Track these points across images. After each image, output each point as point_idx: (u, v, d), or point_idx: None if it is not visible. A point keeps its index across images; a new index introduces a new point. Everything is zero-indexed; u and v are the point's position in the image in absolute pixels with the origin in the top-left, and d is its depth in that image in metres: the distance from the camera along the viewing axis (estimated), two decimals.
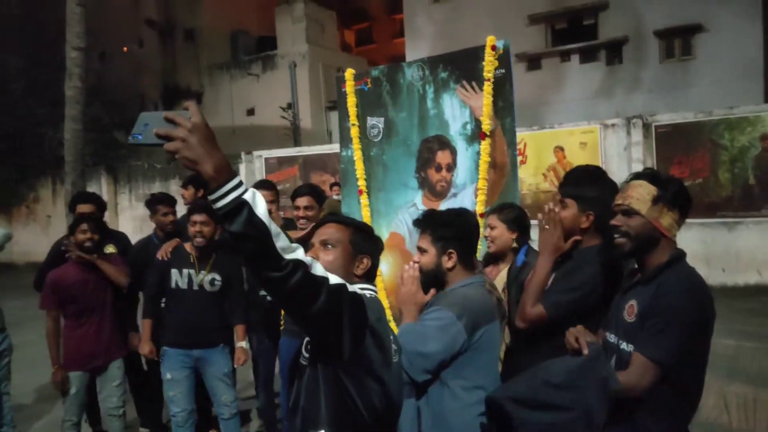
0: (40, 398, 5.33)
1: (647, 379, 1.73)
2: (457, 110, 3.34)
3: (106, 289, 3.81)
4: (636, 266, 1.96)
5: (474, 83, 3.24)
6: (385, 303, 3.41)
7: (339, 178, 3.98)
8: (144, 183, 15.14)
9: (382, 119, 3.63)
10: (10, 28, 18.39)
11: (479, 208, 3.14)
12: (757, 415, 4.29)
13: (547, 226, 2.23)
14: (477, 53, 3.23)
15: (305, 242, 1.69)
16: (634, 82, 16.84)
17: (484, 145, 3.17)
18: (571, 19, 18.18)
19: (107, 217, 4.68)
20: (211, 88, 24.99)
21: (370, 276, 1.71)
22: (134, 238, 4.72)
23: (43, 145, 17.48)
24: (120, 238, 4.55)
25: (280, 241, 1.22)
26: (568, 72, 17.95)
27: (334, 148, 11.58)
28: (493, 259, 2.89)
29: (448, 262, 2.08)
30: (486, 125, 3.15)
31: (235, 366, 3.76)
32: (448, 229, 2.09)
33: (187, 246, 3.67)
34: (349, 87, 3.71)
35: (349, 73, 3.75)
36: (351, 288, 1.42)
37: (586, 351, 1.78)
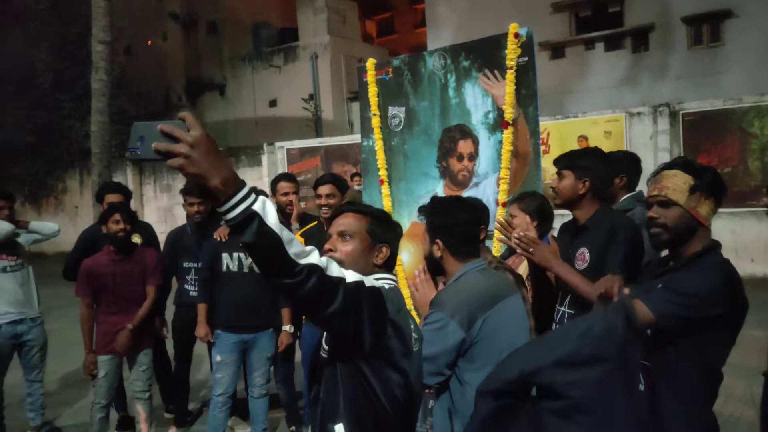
0: (68, 385, 5.46)
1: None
2: (479, 99, 3.31)
3: (137, 280, 3.88)
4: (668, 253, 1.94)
5: (496, 71, 3.21)
6: (406, 292, 3.42)
7: (360, 169, 4.00)
8: (169, 174, 15.34)
9: (404, 109, 3.62)
10: (38, 23, 18.72)
11: (501, 198, 3.12)
12: None
13: (530, 250, 2.30)
14: (499, 41, 3.19)
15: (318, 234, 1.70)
16: (661, 69, 16.48)
17: (507, 134, 3.14)
18: (596, 7, 17.83)
19: (133, 207, 4.76)
20: (234, 80, 25.11)
21: (389, 264, 1.70)
22: (158, 229, 4.80)
23: (70, 137, 17.82)
24: (145, 228, 4.63)
25: (294, 247, 1.22)
26: (592, 60, 17.64)
27: (356, 138, 11.59)
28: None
29: (437, 251, 2.10)
30: (508, 114, 3.12)
31: (279, 349, 3.85)
32: (435, 218, 2.11)
33: None
34: (371, 77, 3.71)
35: (370, 63, 3.74)
36: (369, 282, 1.42)
37: (616, 298, 1.77)
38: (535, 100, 3.16)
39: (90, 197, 10.26)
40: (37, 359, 4.36)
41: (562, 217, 2.77)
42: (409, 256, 3.52)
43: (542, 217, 2.77)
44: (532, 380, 1.58)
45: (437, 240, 2.09)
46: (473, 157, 3.34)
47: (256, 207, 1.16)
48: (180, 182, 14.74)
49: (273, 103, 23.74)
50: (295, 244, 1.22)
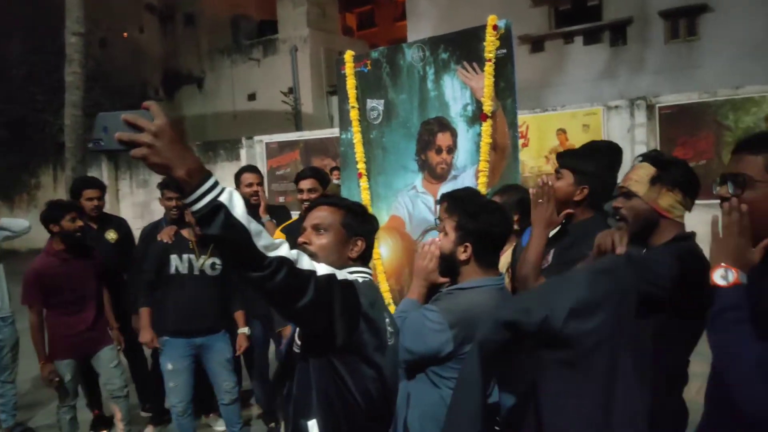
0: (41, 385, 5.33)
1: None
2: (457, 91, 3.29)
3: (90, 278, 3.74)
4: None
5: (475, 64, 3.18)
6: (384, 286, 3.40)
7: (339, 162, 3.97)
8: (145, 169, 15.09)
9: (382, 101, 3.58)
10: (10, 13, 18.28)
11: (480, 190, 3.10)
12: None
13: (540, 201, 2.17)
14: (478, 33, 3.17)
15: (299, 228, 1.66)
16: (639, 63, 16.66)
17: (486, 127, 3.12)
18: (575, 1, 17.96)
19: (108, 202, 4.67)
20: (212, 73, 24.84)
21: (365, 258, 1.68)
22: (135, 224, 4.71)
23: (44, 131, 17.46)
24: (120, 224, 4.55)
25: (262, 240, 1.19)
26: (571, 54, 17.77)
27: (335, 132, 11.52)
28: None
29: (462, 254, 1.92)
30: (487, 106, 3.10)
31: (238, 353, 3.75)
32: (472, 221, 1.92)
33: (185, 232, 3.65)
34: (349, 69, 3.66)
35: (348, 55, 3.70)
36: (342, 275, 1.40)
37: (620, 250, 1.72)
38: (513, 93, 3.15)
39: (64, 193, 10.05)
40: (8, 359, 4.26)
41: None
42: (387, 249, 3.50)
43: (523, 211, 2.77)
44: (550, 326, 1.46)
45: (467, 244, 1.92)
46: (452, 149, 3.32)
47: (223, 198, 1.13)
48: (157, 177, 14.51)
49: (252, 97, 23.55)
50: (263, 237, 1.19)
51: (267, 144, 13.39)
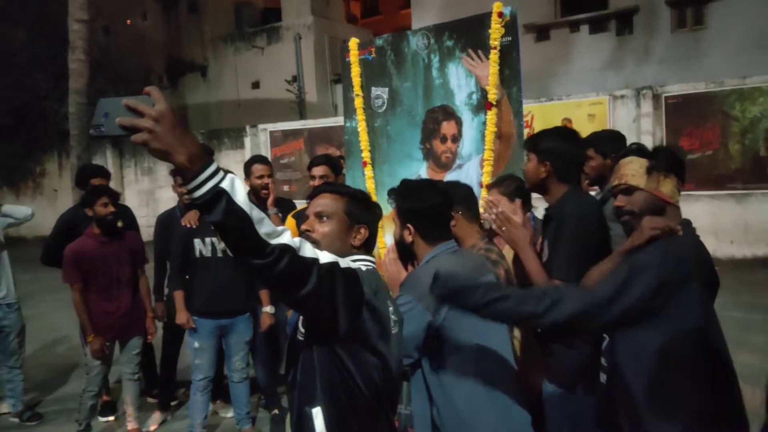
0: (49, 370, 5.40)
1: None
2: (462, 79, 3.28)
3: (124, 263, 3.84)
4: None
5: (480, 51, 3.17)
6: None
7: (344, 151, 3.97)
8: (149, 157, 15.11)
9: (387, 89, 3.57)
10: (13, 0, 18.21)
11: (485, 179, 3.10)
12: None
13: (503, 228, 2.27)
14: (483, 21, 3.15)
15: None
16: (645, 52, 16.51)
17: (491, 116, 3.12)
18: None
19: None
20: (216, 61, 24.74)
21: (368, 246, 1.68)
22: (139, 212, 4.72)
23: (48, 119, 17.45)
24: (125, 212, 4.55)
25: (264, 227, 1.18)
26: (577, 43, 17.62)
27: (339, 121, 11.49)
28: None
29: (408, 236, 2.05)
30: (492, 95, 3.09)
31: (262, 330, 3.83)
32: (405, 202, 2.04)
33: None
34: (353, 56, 3.65)
35: (353, 43, 3.68)
36: (344, 263, 1.40)
37: (679, 229, 1.80)
38: (518, 81, 3.14)
39: (69, 180, 10.07)
40: (14, 345, 4.30)
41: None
42: (391, 238, 3.50)
43: (522, 198, 2.78)
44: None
45: (408, 225, 2.04)
46: (456, 138, 3.31)
47: (224, 185, 1.12)
48: (162, 165, 14.55)
49: (256, 85, 23.45)
50: (265, 224, 1.19)
51: (271, 132, 13.37)
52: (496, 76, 3.09)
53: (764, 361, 4.74)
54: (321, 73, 22.22)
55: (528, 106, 9.50)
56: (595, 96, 10.08)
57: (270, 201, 3.86)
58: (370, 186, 3.57)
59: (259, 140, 13.52)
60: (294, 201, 4.57)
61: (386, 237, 3.49)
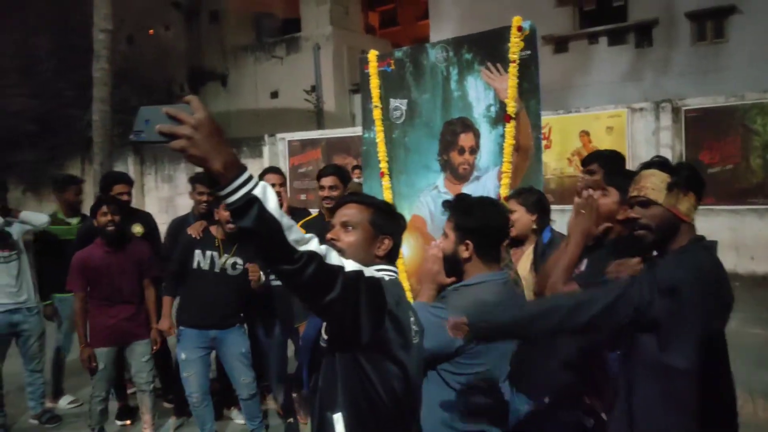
0: (68, 373, 5.42)
1: None
2: (481, 92, 3.30)
3: (132, 273, 3.85)
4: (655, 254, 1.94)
5: (499, 65, 3.19)
6: (406, 285, 3.42)
7: (361, 161, 4.00)
8: (170, 164, 15.31)
9: (405, 101, 3.60)
10: (39, 10, 18.64)
11: (503, 192, 3.12)
12: None
13: (583, 211, 2.21)
14: (502, 34, 3.18)
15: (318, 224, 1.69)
16: (664, 65, 16.40)
17: (509, 128, 3.13)
18: (600, 1, 17.75)
19: (134, 197, 4.75)
20: (236, 71, 25.04)
21: (392, 256, 1.70)
22: (159, 219, 4.79)
23: (72, 126, 17.77)
24: (146, 219, 4.63)
25: (293, 234, 1.22)
26: (595, 55, 17.56)
27: (357, 131, 11.57)
28: (515, 242, 2.88)
29: (464, 252, 2.03)
30: (511, 108, 3.11)
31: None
32: (468, 219, 2.03)
33: (213, 229, 3.71)
34: (372, 68, 3.69)
35: (372, 54, 3.72)
36: (368, 272, 1.42)
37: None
38: (537, 94, 3.15)
39: (92, 186, 10.24)
40: (35, 349, 4.36)
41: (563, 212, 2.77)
42: (409, 249, 3.51)
43: (541, 211, 2.81)
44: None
45: (467, 241, 2.02)
46: (474, 150, 3.33)
47: (257, 192, 1.16)
48: (182, 172, 14.72)
49: (275, 95, 23.68)
50: (294, 231, 1.22)
51: (289, 142, 13.48)
52: (515, 89, 3.11)
53: None
54: (339, 83, 22.37)
55: (546, 119, 9.48)
56: (613, 108, 10.02)
57: (283, 209, 3.91)
58: (387, 196, 3.59)
59: (277, 149, 13.63)
60: (311, 210, 4.61)
61: (403, 247, 3.51)
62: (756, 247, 8.74)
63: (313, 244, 1.26)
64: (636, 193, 1.88)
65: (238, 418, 4.36)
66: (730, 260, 8.77)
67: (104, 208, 3.72)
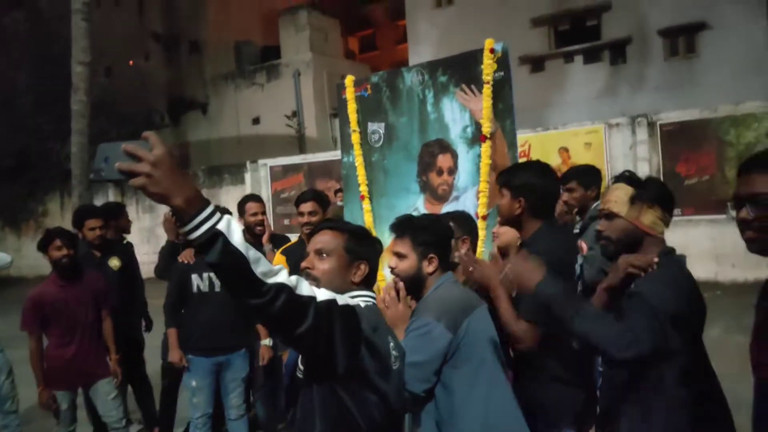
0: (46, 414, 5.31)
1: None
2: (457, 114, 3.33)
3: (88, 306, 3.72)
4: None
5: (473, 86, 3.22)
6: None
7: (342, 185, 4.00)
8: None
9: (383, 124, 3.62)
10: (17, 44, 18.59)
11: (481, 210, 3.13)
12: None
13: (475, 274, 2.22)
14: (476, 56, 3.22)
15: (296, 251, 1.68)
16: (639, 81, 16.76)
17: (485, 148, 3.15)
18: (574, 21, 18.14)
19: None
20: (216, 99, 25.11)
21: (369, 282, 1.69)
22: (140, 249, 4.72)
23: (50, 159, 17.62)
24: (124, 250, 4.56)
25: (260, 267, 1.20)
26: (571, 73, 17.90)
27: (339, 154, 11.61)
28: (500, 254, 2.88)
29: (428, 267, 2.07)
30: (486, 128, 3.13)
31: (261, 364, 3.81)
32: (429, 234, 2.08)
33: None
34: (350, 93, 3.71)
35: (348, 80, 3.75)
36: (343, 300, 1.41)
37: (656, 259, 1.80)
38: (512, 114, 3.18)
39: (71, 220, 10.14)
40: (7, 388, 4.16)
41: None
42: (390, 273, 3.50)
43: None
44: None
45: (432, 255, 2.08)
46: (452, 171, 3.35)
47: (221, 226, 1.15)
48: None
49: (256, 121, 23.76)
50: (262, 264, 1.21)
51: (271, 167, 13.47)
52: (489, 110, 3.14)
53: None
54: (320, 108, 22.52)
55: (525, 136, 9.60)
56: (590, 125, 10.17)
57: (265, 237, 3.94)
58: (368, 219, 3.59)
59: (259, 176, 13.61)
60: (291, 236, 4.58)
61: (386, 270, 3.50)
62: (736, 255, 8.83)
63: (282, 276, 1.25)
64: (602, 206, 1.96)
65: None
66: (711, 269, 8.86)
67: (57, 242, 3.57)
